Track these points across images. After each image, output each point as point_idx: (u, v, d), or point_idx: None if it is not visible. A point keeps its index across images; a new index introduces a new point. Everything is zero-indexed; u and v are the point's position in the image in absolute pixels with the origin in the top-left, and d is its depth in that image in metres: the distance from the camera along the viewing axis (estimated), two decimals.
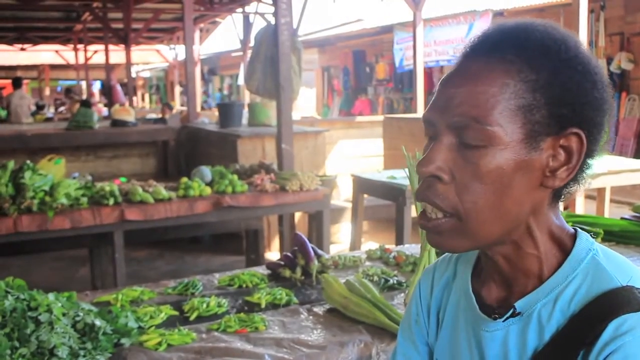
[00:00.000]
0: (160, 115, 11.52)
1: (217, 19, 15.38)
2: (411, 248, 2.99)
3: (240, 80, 14.47)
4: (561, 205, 0.97)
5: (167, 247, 6.42)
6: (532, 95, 0.85)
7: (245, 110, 7.55)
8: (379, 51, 15.51)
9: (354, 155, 7.96)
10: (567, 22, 8.07)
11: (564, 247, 0.92)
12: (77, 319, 1.89)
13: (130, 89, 14.69)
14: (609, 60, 9.69)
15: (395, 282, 2.42)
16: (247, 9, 12.44)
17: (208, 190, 4.34)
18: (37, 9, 12.66)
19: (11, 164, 3.98)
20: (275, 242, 6.13)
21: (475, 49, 0.91)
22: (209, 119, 9.10)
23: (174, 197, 4.24)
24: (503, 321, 0.92)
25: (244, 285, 2.50)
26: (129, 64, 13.24)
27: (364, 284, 2.15)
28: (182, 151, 7.93)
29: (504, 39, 0.89)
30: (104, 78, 17.80)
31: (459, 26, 9.13)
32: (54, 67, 23.28)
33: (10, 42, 18.10)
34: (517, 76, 0.86)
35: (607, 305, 0.83)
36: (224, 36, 18.43)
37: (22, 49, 19.28)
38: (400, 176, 4.70)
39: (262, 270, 2.70)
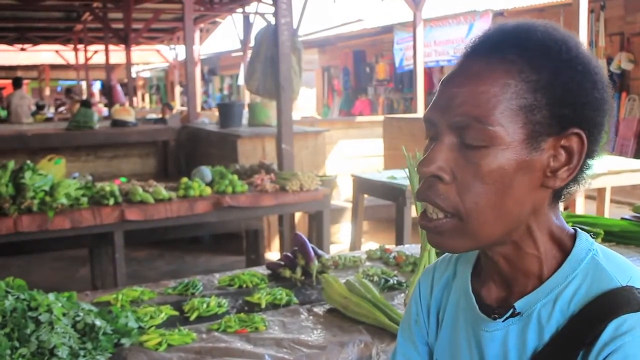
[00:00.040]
0: (160, 116, 11.52)
1: (217, 19, 15.39)
2: (411, 248, 3.00)
3: (241, 81, 14.47)
4: (561, 206, 0.97)
5: (167, 247, 6.42)
6: (533, 96, 0.85)
7: (246, 111, 7.55)
8: (379, 51, 15.51)
9: (354, 156, 7.96)
10: (567, 22, 8.07)
11: (564, 247, 0.92)
12: (77, 319, 1.89)
13: (130, 89, 14.70)
14: (609, 60, 9.69)
15: (395, 282, 2.42)
16: (247, 9, 12.45)
17: (208, 191, 4.34)
18: (38, 9, 12.66)
19: (11, 164, 3.98)
20: (276, 242, 6.13)
21: (476, 49, 0.91)
22: (209, 119, 9.10)
23: (174, 197, 4.24)
24: (503, 321, 0.92)
25: (244, 286, 2.50)
26: (129, 64, 13.24)
27: (364, 284, 2.15)
28: (182, 151, 7.93)
29: (505, 39, 0.89)
30: (104, 78, 17.82)
31: (459, 26, 9.13)
32: (54, 67, 23.28)
33: (10, 42, 18.11)
34: (518, 76, 0.86)
35: (606, 306, 0.83)
36: (224, 36, 18.44)
37: (23, 49, 19.28)
38: (401, 176, 4.70)
39: (262, 270, 2.70)
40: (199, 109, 11.06)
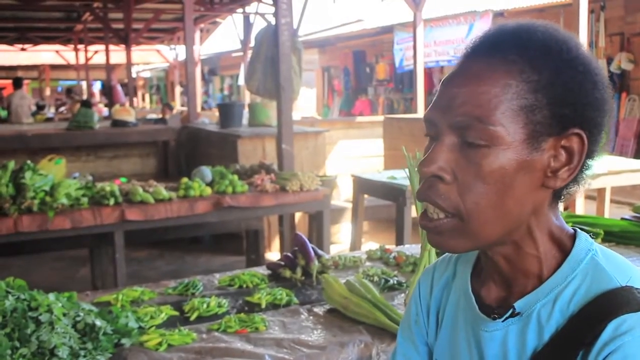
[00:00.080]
0: (160, 116, 11.52)
1: (218, 19, 15.39)
2: (411, 248, 3.00)
3: (241, 81, 14.48)
4: (561, 206, 0.98)
5: (167, 247, 6.42)
6: (534, 96, 0.85)
7: (246, 111, 7.55)
8: (379, 51, 15.51)
9: (354, 156, 7.96)
10: (567, 23, 8.08)
11: (564, 247, 0.92)
12: (78, 319, 1.89)
13: (130, 89, 14.70)
14: (609, 61, 9.69)
15: (395, 282, 2.42)
16: (248, 9, 12.45)
17: (208, 191, 4.34)
18: (38, 9, 12.67)
19: (12, 164, 3.98)
20: (276, 243, 6.13)
21: (477, 49, 0.91)
22: (209, 119, 9.11)
23: (175, 197, 4.24)
24: (502, 321, 0.92)
25: (245, 286, 2.50)
26: (129, 64, 13.25)
27: (364, 285, 2.15)
28: (182, 151, 7.93)
29: (506, 40, 0.89)
30: (104, 78, 17.83)
31: (459, 26, 9.13)
32: (54, 67, 23.29)
33: (10, 42, 18.11)
34: (519, 76, 0.86)
35: (606, 306, 0.83)
36: (225, 36, 18.44)
37: (23, 49, 19.29)
38: (401, 176, 4.70)
39: (262, 270, 2.70)
40: (199, 109, 11.07)
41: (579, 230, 0.94)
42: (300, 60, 5.82)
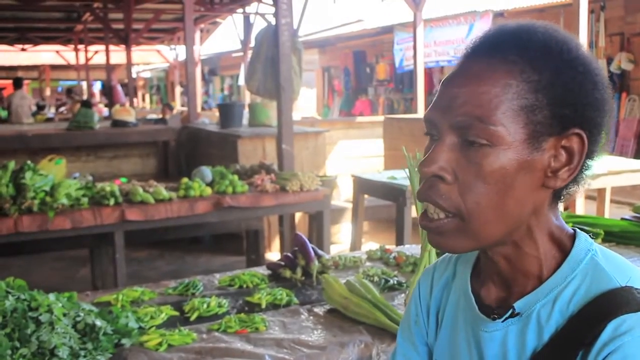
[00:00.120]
0: (160, 116, 11.52)
1: (218, 20, 15.40)
2: (411, 248, 3.00)
3: (241, 81, 14.48)
4: (561, 206, 0.98)
5: (167, 247, 6.42)
6: (534, 96, 0.86)
7: (246, 111, 7.55)
8: (380, 52, 15.51)
9: (354, 156, 7.96)
10: (567, 23, 8.08)
11: (564, 247, 0.92)
12: (78, 319, 1.89)
13: (130, 89, 14.71)
14: (609, 61, 9.69)
15: (395, 282, 2.42)
16: (248, 9, 12.45)
17: (208, 191, 4.34)
18: (38, 10, 12.67)
19: (12, 164, 3.98)
20: (276, 243, 6.13)
21: (477, 49, 0.91)
22: (209, 120, 9.10)
23: (175, 197, 4.24)
24: (502, 321, 0.92)
25: (245, 286, 2.50)
26: (129, 65, 13.25)
27: (364, 285, 2.15)
28: (182, 151, 7.93)
29: (506, 40, 0.89)
30: (104, 78, 17.83)
31: (459, 27, 9.13)
32: (54, 67, 23.30)
33: (10, 43, 18.12)
34: (520, 76, 0.86)
35: (606, 306, 0.83)
36: (225, 36, 18.45)
37: (23, 50, 19.30)
38: (401, 176, 4.70)
39: (262, 270, 2.70)
40: (199, 109, 11.07)
41: (578, 230, 0.94)
42: (301, 61, 5.83)
